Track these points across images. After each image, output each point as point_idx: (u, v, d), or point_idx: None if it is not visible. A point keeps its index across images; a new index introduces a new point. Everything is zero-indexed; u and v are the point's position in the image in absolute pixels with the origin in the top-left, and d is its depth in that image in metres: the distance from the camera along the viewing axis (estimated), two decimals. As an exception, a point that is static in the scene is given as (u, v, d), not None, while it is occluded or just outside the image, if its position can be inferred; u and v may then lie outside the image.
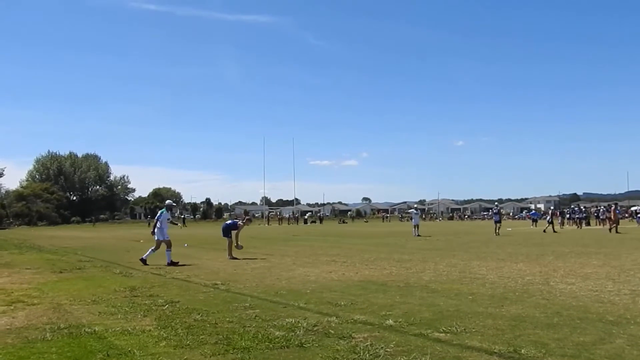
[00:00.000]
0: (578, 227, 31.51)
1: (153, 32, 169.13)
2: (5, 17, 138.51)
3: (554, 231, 29.56)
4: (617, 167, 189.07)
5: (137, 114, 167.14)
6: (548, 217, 31.83)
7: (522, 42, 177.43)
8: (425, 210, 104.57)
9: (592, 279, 9.38)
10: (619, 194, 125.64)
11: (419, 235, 26.34)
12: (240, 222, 16.01)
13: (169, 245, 13.74)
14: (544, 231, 29.18)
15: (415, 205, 33.13)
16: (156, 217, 14.42)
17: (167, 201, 16.34)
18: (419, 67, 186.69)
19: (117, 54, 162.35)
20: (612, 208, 29.20)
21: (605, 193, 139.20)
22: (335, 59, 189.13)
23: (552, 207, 37.34)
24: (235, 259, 14.40)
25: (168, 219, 14.57)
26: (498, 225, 27.77)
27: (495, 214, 29.41)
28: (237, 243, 15.07)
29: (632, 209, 70.35)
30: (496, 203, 41.73)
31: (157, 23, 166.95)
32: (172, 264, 13.14)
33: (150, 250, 13.86)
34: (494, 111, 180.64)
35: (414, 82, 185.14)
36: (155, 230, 14.00)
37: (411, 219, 32.27)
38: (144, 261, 13.42)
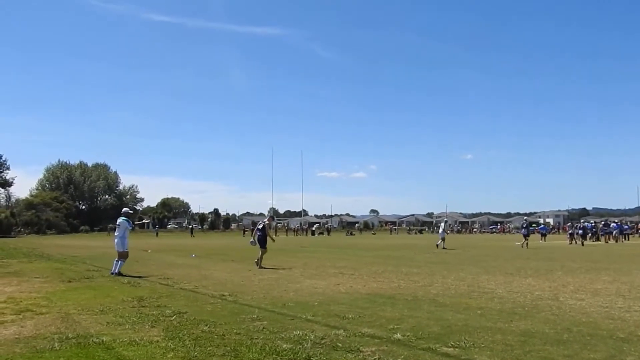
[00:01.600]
0: (576, 242, 31.76)
1: (163, 42, 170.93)
2: (16, 26, 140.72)
3: (583, 244, 30.84)
4: (627, 182, 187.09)
5: (147, 124, 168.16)
6: (580, 232, 33.04)
7: (531, 56, 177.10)
8: (433, 224, 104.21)
9: (602, 295, 9.29)
10: (629, 209, 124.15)
11: (442, 247, 25.89)
12: (265, 222, 16.41)
13: (125, 257, 13.60)
14: (582, 244, 30.96)
15: (446, 219, 33.08)
16: (127, 227, 13.92)
17: (124, 209, 15.30)
18: (428, 79, 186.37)
19: (127, 64, 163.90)
20: None
21: (615, 208, 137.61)
22: (343, 70, 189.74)
23: (583, 222, 37.59)
24: (264, 268, 14.79)
25: (128, 228, 14.03)
26: (527, 238, 28.31)
27: (524, 227, 29.89)
28: (257, 260, 15.28)
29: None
30: (525, 218, 42.60)
31: (168, 34, 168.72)
32: (119, 274, 13.00)
33: (119, 263, 13.47)
34: (502, 124, 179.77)
35: (423, 95, 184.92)
36: (117, 240, 13.74)
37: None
38: (119, 274, 13.06)
